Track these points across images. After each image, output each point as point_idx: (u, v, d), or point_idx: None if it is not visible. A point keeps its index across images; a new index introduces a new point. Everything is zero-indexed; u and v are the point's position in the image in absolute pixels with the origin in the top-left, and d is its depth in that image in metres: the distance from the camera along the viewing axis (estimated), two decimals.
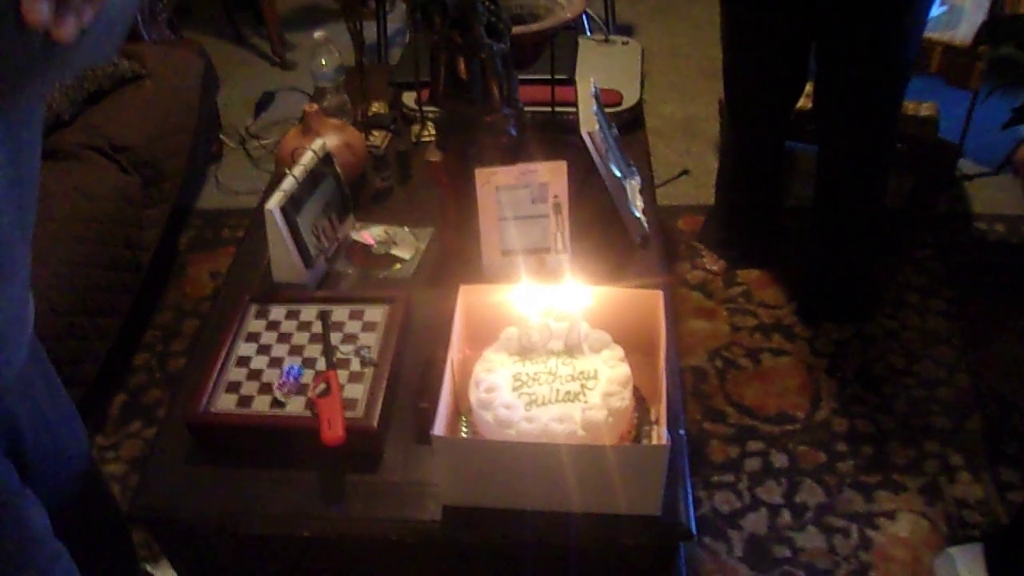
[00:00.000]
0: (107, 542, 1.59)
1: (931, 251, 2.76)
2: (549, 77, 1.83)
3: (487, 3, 1.41)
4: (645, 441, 1.23)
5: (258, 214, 1.66)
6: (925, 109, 2.74)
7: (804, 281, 2.63)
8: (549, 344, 1.26)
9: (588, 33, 3.18)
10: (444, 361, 1.24)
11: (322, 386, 1.31)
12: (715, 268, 2.74)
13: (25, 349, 1.13)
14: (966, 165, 3.07)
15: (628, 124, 1.96)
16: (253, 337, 1.44)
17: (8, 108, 0.79)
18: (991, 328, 2.50)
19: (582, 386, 1.20)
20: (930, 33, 2.73)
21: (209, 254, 2.97)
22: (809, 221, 2.53)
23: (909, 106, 2.70)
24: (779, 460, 2.18)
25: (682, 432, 1.29)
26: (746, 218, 2.72)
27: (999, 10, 2.82)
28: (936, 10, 2.82)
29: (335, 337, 1.42)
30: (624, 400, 1.18)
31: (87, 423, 2.30)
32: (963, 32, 2.79)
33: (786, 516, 2.06)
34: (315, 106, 1.77)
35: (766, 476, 2.14)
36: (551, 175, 1.46)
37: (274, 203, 1.49)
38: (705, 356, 2.47)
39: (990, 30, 2.72)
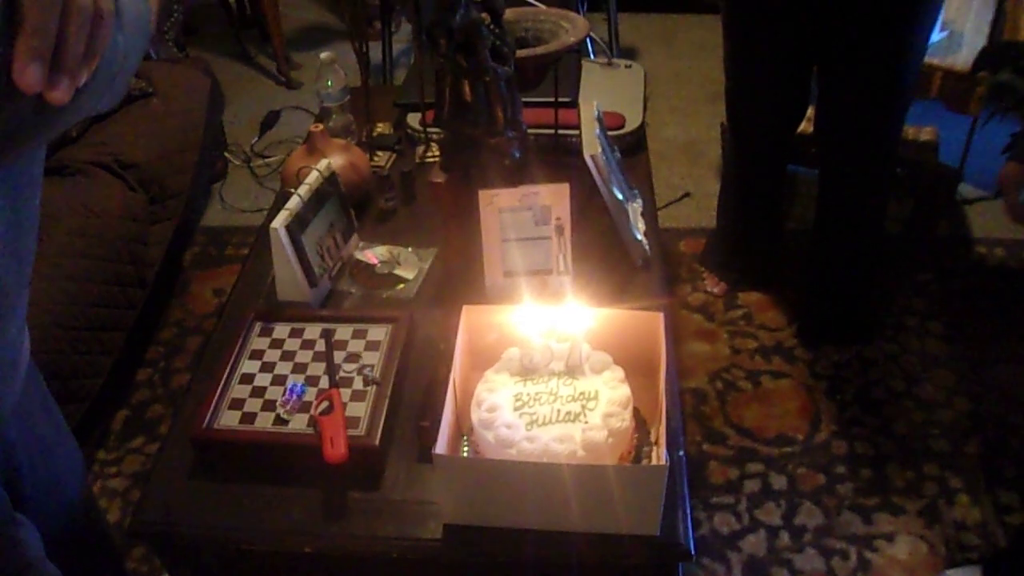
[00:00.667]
0: (100, 567, 1.59)
1: (931, 275, 2.78)
2: (552, 100, 1.85)
3: (492, 27, 1.43)
4: (645, 461, 1.24)
5: (263, 233, 1.67)
6: (925, 134, 2.76)
7: (804, 304, 2.64)
8: (550, 365, 1.27)
9: (591, 56, 3.20)
10: (446, 381, 1.25)
11: (325, 404, 1.32)
12: (716, 290, 2.75)
13: (19, 386, 1.12)
14: (966, 189, 3.09)
15: (630, 147, 1.98)
16: (257, 354, 1.45)
17: (2, 164, 0.78)
18: (990, 352, 2.51)
19: (583, 407, 1.21)
20: (930, 58, 2.75)
21: (213, 271, 2.99)
22: (810, 244, 2.55)
23: (909, 131, 2.72)
24: (778, 482, 2.18)
25: (681, 453, 1.29)
26: (747, 241, 2.73)
27: (998, 36, 2.84)
28: (936, 36, 2.84)
29: (338, 356, 1.43)
30: (624, 421, 1.19)
31: (89, 438, 2.33)
32: (963, 58, 2.81)
33: (785, 538, 2.06)
34: (320, 126, 1.78)
35: (765, 498, 2.15)
36: (554, 197, 1.48)
37: (279, 222, 1.50)
38: (705, 378, 2.48)
39: (990, 56, 2.73)
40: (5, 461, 1.18)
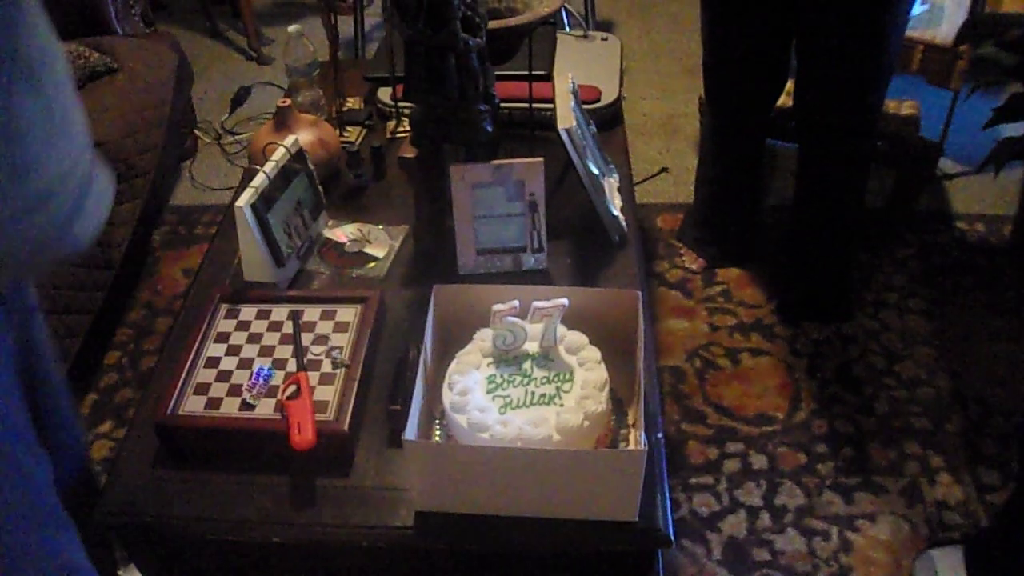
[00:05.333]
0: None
1: (911, 250, 2.75)
2: (526, 73, 1.80)
3: None
4: (622, 445, 1.21)
5: (229, 211, 1.62)
6: (906, 108, 2.73)
7: (784, 280, 2.62)
8: (524, 346, 1.23)
9: (567, 28, 3.16)
10: (417, 363, 1.22)
11: (292, 388, 1.28)
12: (694, 267, 2.72)
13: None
14: (947, 164, 3.06)
15: (607, 121, 1.94)
16: (223, 337, 1.41)
17: None
18: (971, 328, 2.49)
19: (558, 389, 1.17)
20: (912, 32, 2.72)
21: (183, 251, 2.93)
22: (789, 220, 2.51)
23: (890, 104, 2.69)
24: (758, 462, 2.16)
25: (660, 436, 1.26)
26: (726, 216, 2.70)
27: (980, 8, 2.81)
28: (918, 9, 2.81)
29: (306, 338, 1.39)
30: (600, 404, 1.16)
31: None
32: (945, 31, 2.78)
33: (765, 518, 2.04)
34: (288, 101, 1.74)
35: (745, 478, 2.12)
36: (527, 172, 1.44)
37: (244, 200, 1.46)
38: (684, 356, 2.45)
39: (972, 29, 2.71)
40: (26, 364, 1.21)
